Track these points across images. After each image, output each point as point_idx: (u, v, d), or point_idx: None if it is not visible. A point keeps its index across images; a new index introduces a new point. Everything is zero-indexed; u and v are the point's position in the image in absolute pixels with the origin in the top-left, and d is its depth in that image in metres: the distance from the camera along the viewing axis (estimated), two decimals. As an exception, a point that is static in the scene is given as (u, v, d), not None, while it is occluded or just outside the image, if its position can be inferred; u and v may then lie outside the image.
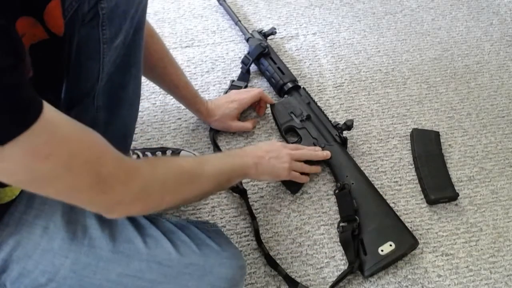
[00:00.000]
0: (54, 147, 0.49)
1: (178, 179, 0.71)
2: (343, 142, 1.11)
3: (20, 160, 0.47)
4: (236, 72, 1.29)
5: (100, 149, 0.56)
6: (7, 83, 0.44)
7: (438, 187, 1.08)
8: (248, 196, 1.07)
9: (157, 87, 1.18)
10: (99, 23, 0.67)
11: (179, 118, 1.20)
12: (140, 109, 1.05)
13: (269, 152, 0.95)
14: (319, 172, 1.09)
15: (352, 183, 1.04)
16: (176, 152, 1.10)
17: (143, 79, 0.94)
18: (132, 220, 0.74)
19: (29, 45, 0.55)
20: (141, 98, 0.98)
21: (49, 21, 0.56)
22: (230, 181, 0.88)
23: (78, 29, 0.65)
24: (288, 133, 1.15)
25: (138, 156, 1.06)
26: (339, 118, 1.21)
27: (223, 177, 0.82)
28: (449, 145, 1.18)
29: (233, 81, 1.26)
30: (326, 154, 1.08)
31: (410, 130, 1.18)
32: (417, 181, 1.11)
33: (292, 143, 1.13)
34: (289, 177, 1.00)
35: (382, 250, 0.96)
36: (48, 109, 0.48)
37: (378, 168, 1.13)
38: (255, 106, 1.20)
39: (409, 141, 1.17)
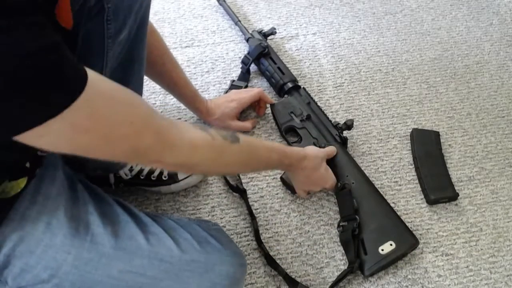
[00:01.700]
0: (94, 122, 0.50)
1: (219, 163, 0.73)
2: (343, 142, 1.11)
3: (62, 134, 0.48)
4: (236, 72, 1.29)
5: (142, 124, 0.56)
6: (52, 60, 0.44)
7: (438, 187, 1.08)
8: (248, 196, 1.07)
9: (157, 87, 1.18)
10: (104, 17, 0.67)
11: (179, 118, 1.20)
12: (140, 109, 1.05)
13: (317, 179, 1.01)
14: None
15: (353, 183, 1.04)
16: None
17: (144, 78, 0.94)
18: (134, 217, 0.74)
19: None
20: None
21: (59, 15, 0.56)
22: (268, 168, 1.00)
23: (84, 23, 0.65)
24: (288, 133, 1.15)
25: None
26: (339, 118, 1.21)
27: (261, 165, 0.87)
28: (449, 145, 1.18)
29: (233, 81, 1.26)
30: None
31: (410, 130, 1.18)
32: (417, 181, 1.11)
33: (292, 143, 1.13)
34: (301, 196, 1.07)
35: (382, 250, 0.96)
36: (93, 81, 0.48)
37: (378, 168, 1.13)
38: (255, 106, 1.20)
39: (409, 141, 1.17)
